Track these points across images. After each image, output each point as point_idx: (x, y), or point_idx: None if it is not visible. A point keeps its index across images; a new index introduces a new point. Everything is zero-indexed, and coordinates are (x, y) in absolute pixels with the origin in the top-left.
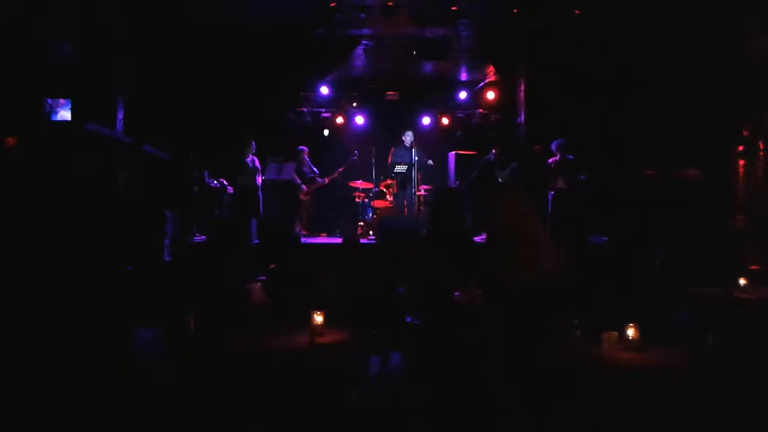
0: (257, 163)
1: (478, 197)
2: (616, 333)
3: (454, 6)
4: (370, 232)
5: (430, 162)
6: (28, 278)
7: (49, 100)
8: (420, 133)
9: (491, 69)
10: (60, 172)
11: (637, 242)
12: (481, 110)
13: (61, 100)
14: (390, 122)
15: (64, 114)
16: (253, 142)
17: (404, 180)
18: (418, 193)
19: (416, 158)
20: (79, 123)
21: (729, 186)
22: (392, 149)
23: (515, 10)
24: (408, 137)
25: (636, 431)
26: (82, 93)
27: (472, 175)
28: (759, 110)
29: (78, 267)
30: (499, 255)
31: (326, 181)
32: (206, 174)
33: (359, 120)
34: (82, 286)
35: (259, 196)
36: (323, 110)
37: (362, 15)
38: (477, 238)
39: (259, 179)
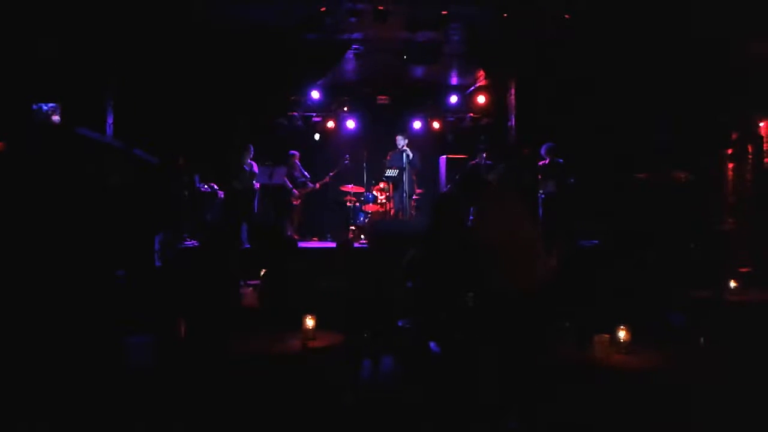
0: (255, 168)
1: (468, 201)
2: (607, 335)
3: (444, 10)
4: (362, 236)
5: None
6: (17, 284)
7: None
8: (411, 137)
9: (481, 73)
10: (49, 176)
11: (627, 245)
12: (471, 114)
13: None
14: (381, 126)
15: (54, 118)
16: (252, 147)
17: (396, 184)
18: (413, 197)
19: (408, 162)
20: (68, 127)
21: (719, 189)
22: (389, 153)
23: (505, 15)
24: (400, 141)
25: None
26: (71, 97)
27: (456, 177)
28: (748, 114)
29: (67, 272)
30: (493, 261)
31: (317, 185)
32: (197, 179)
33: (350, 124)
34: (72, 291)
35: (254, 200)
36: (314, 114)
37: (352, 19)
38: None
39: (257, 184)
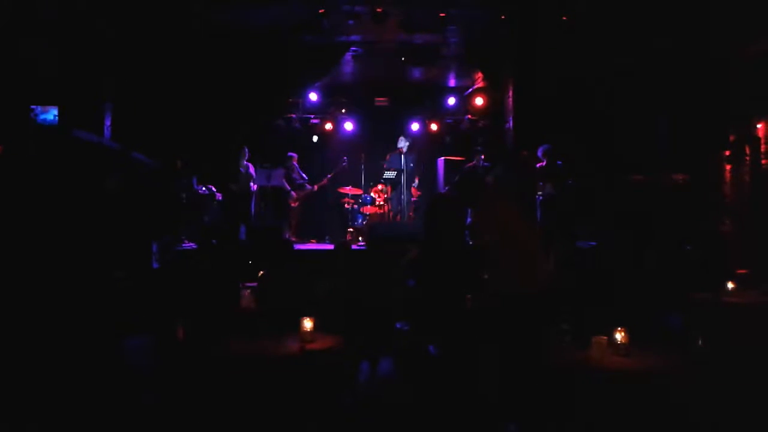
0: (251, 170)
1: (466, 203)
2: (605, 337)
3: (442, 12)
4: (360, 238)
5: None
6: (16, 287)
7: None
8: (409, 139)
9: (479, 75)
10: (47, 179)
11: (625, 247)
12: (469, 116)
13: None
14: (379, 128)
15: (51, 120)
16: (246, 149)
17: (394, 185)
18: (412, 199)
19: (410, 164)
20: (66, 129)
21: (716, 190)
22: (388, 155)
23: (503, 17)
24: (400, 142)
25: None
26: (69, 99)
27: (455, 179)
28: (746, 115)
29: (65, 275)
30: (491, 263)
31: (315, 187)
32: (194, 181)
33: (348, 126)
34: (70, 293)
35: (251, 202)
36: (312, 116)
37: (351, 22)
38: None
39: (254, 186)
